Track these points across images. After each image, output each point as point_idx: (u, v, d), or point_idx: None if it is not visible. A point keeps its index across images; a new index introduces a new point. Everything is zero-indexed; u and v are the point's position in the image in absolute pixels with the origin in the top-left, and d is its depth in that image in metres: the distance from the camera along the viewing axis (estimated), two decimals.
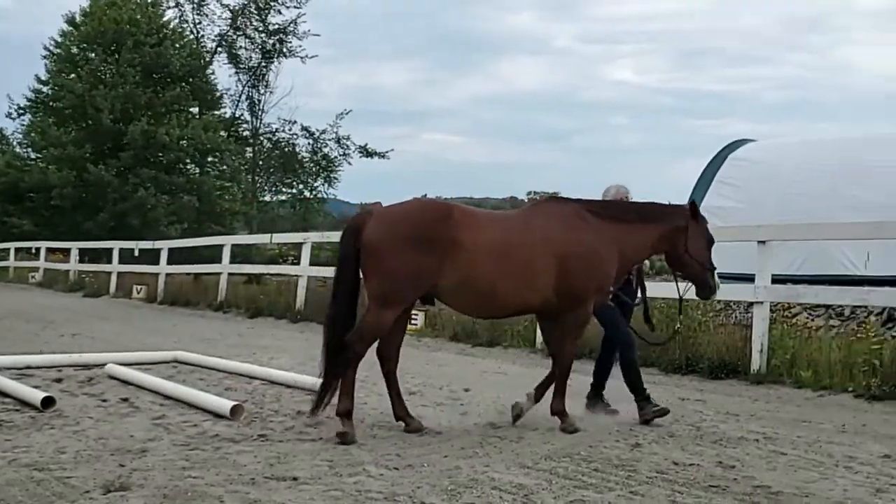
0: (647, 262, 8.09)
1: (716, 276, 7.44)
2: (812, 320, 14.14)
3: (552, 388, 7.16)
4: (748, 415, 7.89)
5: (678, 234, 7.32)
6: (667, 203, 7.78)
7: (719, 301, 13.99)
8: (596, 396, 7.78)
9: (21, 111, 39.33)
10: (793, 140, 25.75)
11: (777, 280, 10.43)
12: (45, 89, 38.66)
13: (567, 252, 6.89)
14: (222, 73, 46.25)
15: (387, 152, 36.76)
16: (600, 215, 7.15)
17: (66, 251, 30.23)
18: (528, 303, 7.08)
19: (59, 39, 38.88)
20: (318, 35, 35.72)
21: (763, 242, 10.40)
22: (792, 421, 7.67)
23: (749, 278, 10.57)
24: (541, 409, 7.27)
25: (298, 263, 18.76)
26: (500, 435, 6.75)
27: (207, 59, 36.27)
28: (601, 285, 7.09)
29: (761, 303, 10.11)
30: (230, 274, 20.72)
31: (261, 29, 36.37)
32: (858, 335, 10.04)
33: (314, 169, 36.85)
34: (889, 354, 9.11)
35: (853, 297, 10.93)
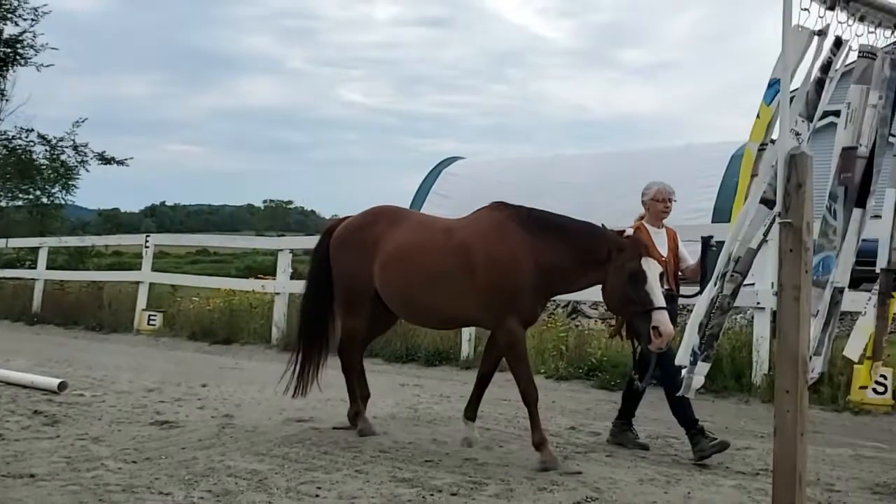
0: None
1: (657, 316, 5.27)
2: None
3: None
4: (458, 397, 8.10)
5: (597, 267, 5.57)
6: (597, 225, 5.74)
7: None
8: (621, 424, 6.30)
9: None
10: (494, 158, 27.23)
11: None
12: None
13: (476, 262, 5.74)
14: None
15: (126, 159, 34.84)
16: (524, 226, 5.76)
17: None
18: (446, 312, 6.03)
19: None
20: (56, 49, 33.27)
21: None
22: (495, 400, 7.98)
23: None
24: (270, 402, 7.17)
25: (35, 267, 17.57)
26: (236, 425, 6.59)
27: None
28: (505, 302, 5.68)
29: None
30: None
31: None
32: (548, 325, 10.59)
33: (52, 176, 34.46)
34: (573, 341, 9.73)
35: None
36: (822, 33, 3.88)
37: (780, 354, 3.64)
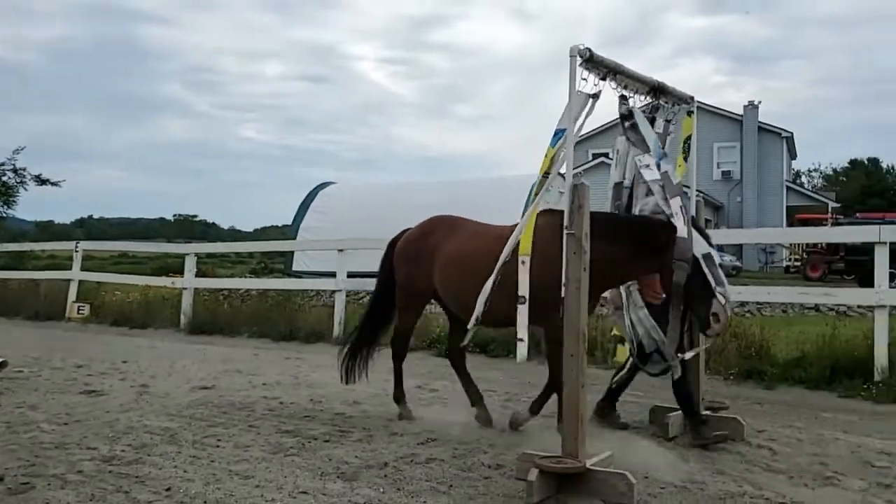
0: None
1: (717, 303, 4.20)
2: None
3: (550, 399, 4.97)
4: (330, 366, 7.95)
5: (653, 255, 4.35)
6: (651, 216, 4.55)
7: (312, 291, 14.20)
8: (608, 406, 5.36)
9: None
10: (360, 183, 27.36)
11: (352, 275, 10.71)
12: None
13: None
14: None
15: (59, 181, 32.66)
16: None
17: None
18: (498, 313, 4.58)
19: None
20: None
21: (341, 251, 10.72)
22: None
23: (332, 274, 10.80)
24: (178, 374, 6.85)
25: None
26: (151, 393, 6.28)
27: None
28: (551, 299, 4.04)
29: (340, 290, 10.39)
30: None
31: None
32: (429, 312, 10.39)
33: None
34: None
35: None
36: (595, 96, 4.09)
37: (566, 329, 3.77)
